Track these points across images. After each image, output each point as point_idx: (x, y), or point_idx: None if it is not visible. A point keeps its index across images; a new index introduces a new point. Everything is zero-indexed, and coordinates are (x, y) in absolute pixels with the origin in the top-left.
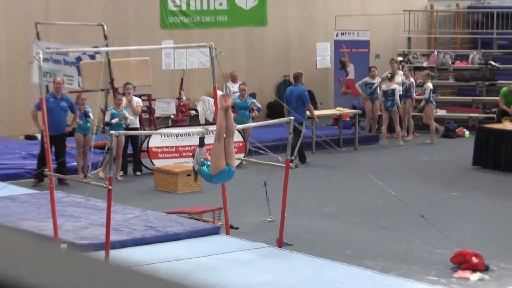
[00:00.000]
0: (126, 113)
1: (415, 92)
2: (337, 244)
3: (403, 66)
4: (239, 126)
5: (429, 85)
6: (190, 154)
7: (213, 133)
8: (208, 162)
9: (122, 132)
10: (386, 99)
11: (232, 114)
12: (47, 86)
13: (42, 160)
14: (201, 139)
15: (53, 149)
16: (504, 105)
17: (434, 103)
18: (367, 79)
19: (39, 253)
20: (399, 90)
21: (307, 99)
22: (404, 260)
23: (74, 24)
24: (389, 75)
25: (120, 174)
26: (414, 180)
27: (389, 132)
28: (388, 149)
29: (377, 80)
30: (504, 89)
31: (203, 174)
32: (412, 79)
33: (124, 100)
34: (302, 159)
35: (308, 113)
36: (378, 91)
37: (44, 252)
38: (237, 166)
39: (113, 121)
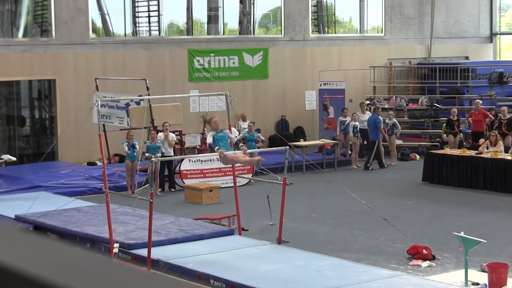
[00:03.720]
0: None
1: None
2: (322, 241)
3: (370, 108)
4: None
5: (394, 120)
6: (212, 175)
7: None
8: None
9: (160, 158)
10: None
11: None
12: (104, 125)
13: None
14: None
15: None
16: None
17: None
18: (340, 117)
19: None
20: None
21: (379, 124)
22: (372, 253)
23: (124, 79)
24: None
25: (159, 190)
26: (379, 192)
27: (359, 157)
28: (359, 169)
29: (348, 118)
30: (444, 124)
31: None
32: (395, 120)
33: (162, 135)
34: (381, 165)
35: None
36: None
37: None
38: (247, 183)
39: (146, 154)
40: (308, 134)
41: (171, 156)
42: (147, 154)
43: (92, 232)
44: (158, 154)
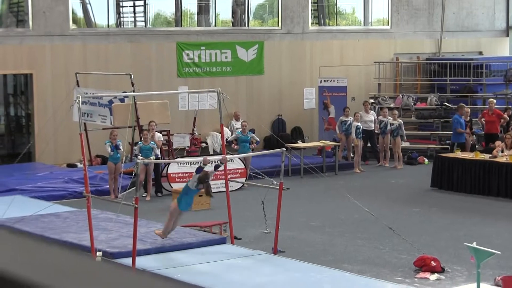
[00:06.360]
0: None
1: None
2: (322, 251)
3: (374, 107)
4: (241, 155)
5: (400, 121)
6: None
7: (212, 163)
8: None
9: (146, 161)
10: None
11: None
12: (85, 123)
13: None
14: (199, 168)
15: None
16: None
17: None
18: (342, 117)
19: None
20: (373, 126)
21: (454, 124)
22: (376, 264)
23: (107, 74)
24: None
25: (144, 195)
26: (384, 199)
27: (363, 160)
28: (362, 174)
29: (350, 118)
30: None
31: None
32: (400, 120)
33: (149, 135)
34: None
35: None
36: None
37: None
38: (240, 188)
39: (139, 156)
40: (307, 135)
41: (158, 158)
42: (140, 157)
43: (71, 240)
44: (152, 157)
